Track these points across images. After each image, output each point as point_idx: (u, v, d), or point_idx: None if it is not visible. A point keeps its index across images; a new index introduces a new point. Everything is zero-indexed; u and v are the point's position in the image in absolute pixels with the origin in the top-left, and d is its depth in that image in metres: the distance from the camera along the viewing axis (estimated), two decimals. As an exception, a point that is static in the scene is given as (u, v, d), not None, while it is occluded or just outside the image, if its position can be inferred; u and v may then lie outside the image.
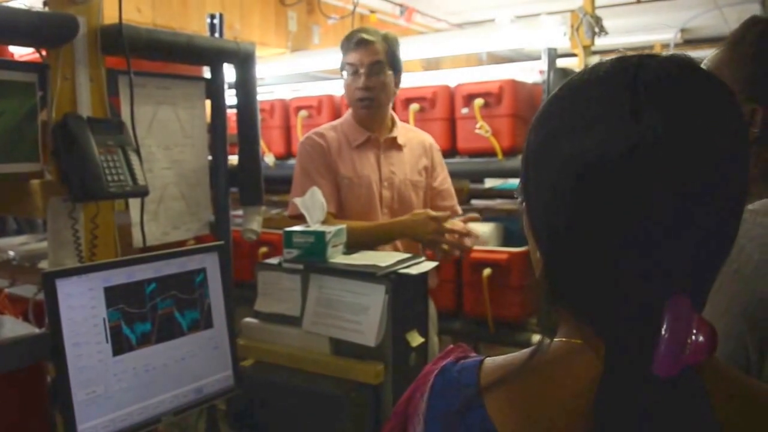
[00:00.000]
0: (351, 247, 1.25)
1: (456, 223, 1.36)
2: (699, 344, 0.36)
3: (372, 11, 4.06)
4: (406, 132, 1.55)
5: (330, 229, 1.15)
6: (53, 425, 1.01)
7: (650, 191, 0.37)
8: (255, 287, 1.20)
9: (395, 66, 1.47)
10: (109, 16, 1.14)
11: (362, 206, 1.43)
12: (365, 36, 1.43)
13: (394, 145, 1.50)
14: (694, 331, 0.36)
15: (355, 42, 1.43)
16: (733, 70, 0.65)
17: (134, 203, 1.22)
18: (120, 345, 0.89)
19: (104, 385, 0.87)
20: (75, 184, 1.03)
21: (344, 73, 1.46)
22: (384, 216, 1.46)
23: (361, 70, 1.42)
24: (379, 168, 1.47)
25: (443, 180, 1.55)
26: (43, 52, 1.10)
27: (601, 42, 1.91)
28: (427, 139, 1.58)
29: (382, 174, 1.47)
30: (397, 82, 1.49)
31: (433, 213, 1.38)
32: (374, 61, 1.42)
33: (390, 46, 1.45)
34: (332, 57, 2.94)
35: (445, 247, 1.36)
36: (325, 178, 1.44)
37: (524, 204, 0.44)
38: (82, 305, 0.86)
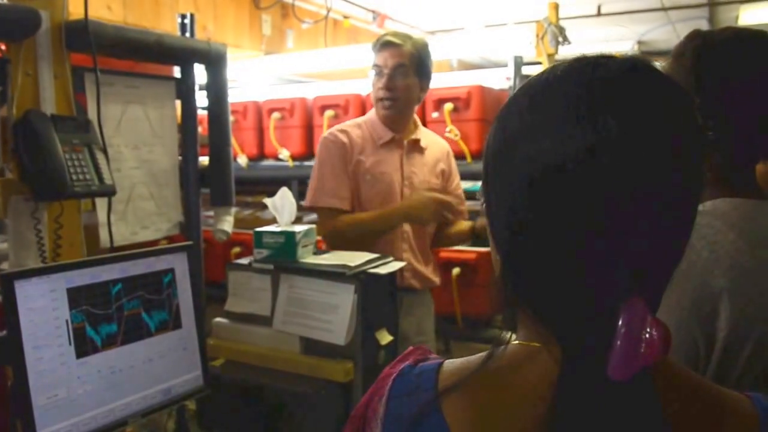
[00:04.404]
0: (361, 238, 1.35)
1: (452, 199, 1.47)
2: (653, 346, 0.36)
3: (345, 17, 4.08)
4: (427, 136, 1.59)
5: (300, 229, 1.16)
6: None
7: (605, 193, 0.37)
8: (227, 287, 1.20)
9: (421, 71, 1.47)
10: (80, 14, 1.12)
11: (382, 203, 1.46)
12: (392, 38, 1.47)
13: (416, 147, 1.53)
14: (648, 332, 0.36)
15: (381, 43, 1.46)
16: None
17: (101, 203, 1.19)
18: (84, 347, 0.88)
19: (67, 388, 0.85)
20: (37, 182, 1.01)
21: (371, 73, 1.49)
22: None
23: (385, 71, 1.44)
24: (402, 167, 1.50)
25: (457, 185, 1.62)
26: (3, 47, 1.07)
27: (564, 51, 2.00)
28: (446, 145, 1.63)
29: (404, 173, 1.50)
30: (422, 87, 1.50)
31: (438, 196, 1.44)
32: (398, 63, 1.44)
33: (418, 51, 1.47)
34: (306, 60, 2.96)
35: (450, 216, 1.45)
36: (339, 176, 1.45)
37: (485, 206, 0.44)
38: (43, 307, 0.84)
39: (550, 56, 1.97)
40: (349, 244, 1.32)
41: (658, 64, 0.76)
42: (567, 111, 0.38)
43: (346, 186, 1.45)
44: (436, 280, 1.57)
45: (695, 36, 0.72)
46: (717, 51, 0.69)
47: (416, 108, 1.55)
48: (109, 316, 0.91)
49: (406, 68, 1.45)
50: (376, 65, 1.47)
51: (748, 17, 3.57)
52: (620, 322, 0.36)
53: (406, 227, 1.49)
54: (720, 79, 0.68)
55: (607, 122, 0.37)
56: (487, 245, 0.46)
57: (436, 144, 1.59)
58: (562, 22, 2.02)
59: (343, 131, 1.50)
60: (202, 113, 1.51)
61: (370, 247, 1.30)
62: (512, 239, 0.41)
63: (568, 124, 0.38)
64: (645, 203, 0.37)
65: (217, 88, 1.43)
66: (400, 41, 1.45)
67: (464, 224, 1.56)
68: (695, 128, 0.41)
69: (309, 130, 2.32)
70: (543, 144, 0.39)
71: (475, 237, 1.53)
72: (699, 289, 0.61)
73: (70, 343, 0.86)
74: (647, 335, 0.36)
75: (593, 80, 0.39)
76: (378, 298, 1.12)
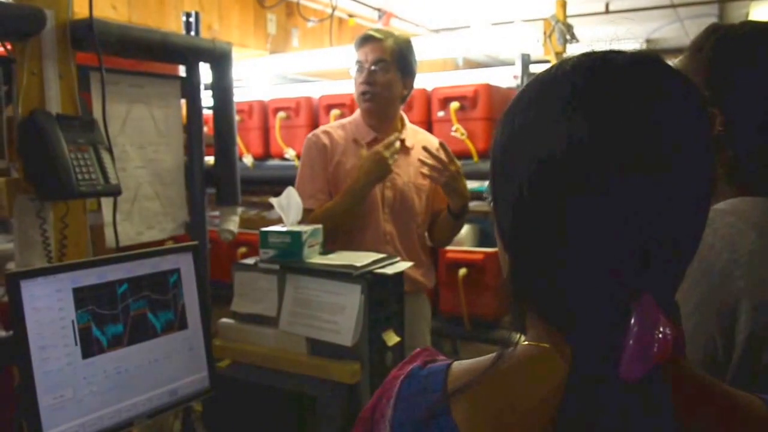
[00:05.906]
0: (338, 224, 1.34)
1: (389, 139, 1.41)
2: (665, 345, 0.35)
3: (350, 15, 4.08)
4: (415, 134, 1.55)
5: (306, 229, 1.15)
6: (19, 432, 0.98)
7: (609, 187, 0.36)
8: (233, 288, 1.19)
9: (404, 68, 1.45)
10: (85, 13, 1.11)
11: (362, 205, 1.44)
12: (373, 33, 1.45)
13: (401, 147, 1.50)
14: (661, 332, 0.35)
15: (362, 38, 1.45)
16: (694, 76, 0.68)
17: (107, 203, 1.19)
18: (90, 347, 0.87)
19: (73, 388, 0.85)
20: (43, 182, 1.00)
21: (352, 70, 1.47)
22: (385, 215, 1.46)
23: (366, 66, 1.43)
24: None
25: None
26: (8, 46, 1.07)
27: (572, 49, 1.97)
28: (435, 142, 1.57)
29: None
30: (405, 85, 1.47)
31: (374, 149, 1.39)
32: (378, 58, 1.42)
33: (400, 47, 1.44)
34: (311, 59, 2.95)
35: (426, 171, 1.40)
36: (317, 177, 1.45)
37: (492, 204, 0.44)
38: (49, 307, 0.84)
39: (558, 54, 1.95)
40: (329, 235, 1.30)
41: (671, 61, 0.74)
42: (574, 103, 0.38)
43: (324, 188, 1.45)
44: (428, 283, 1.52)
45: (714, 29, 0.70)
46: (736, 45, 0.67)
47: (401, 107, 1.51)
48: (115, 317, 0.91)
49: (387, 63, 1.43)
50: (357, 61, 1.45)
51: (759, 14, 3.53)
52: (632, 321, 0.36)
53: (390, 228, 1.45)
54: (739, 73, 0.66)
55: (614, 116, 0.37)
56: (494, 245, 0.45)
57: (424, 142, 1.54)
58: (569, 20, 2.00)
59: (326, 132, 1.49)
60: (207, 113, 1.51)
61: (353, 245, 1.28)
62: (518, 237, 0.41)
63: (575, 117, 0.38)
64: (651, 197, 0.37)
65: (222, 88, 1.42)
66: (381, 36, 1.44)
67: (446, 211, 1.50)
68: (703, 122, 0.40)
69: (315, 129, 2.31)
70: (548, 138, 0.38)
71: (454, 216, 1.46)
72: (718, 290, 0.59)
73: (76, 344, 0.86)
74: (660, 334, 0.35)
75: (601, 73, 0.39)
76: (385, 298, 1.11)
